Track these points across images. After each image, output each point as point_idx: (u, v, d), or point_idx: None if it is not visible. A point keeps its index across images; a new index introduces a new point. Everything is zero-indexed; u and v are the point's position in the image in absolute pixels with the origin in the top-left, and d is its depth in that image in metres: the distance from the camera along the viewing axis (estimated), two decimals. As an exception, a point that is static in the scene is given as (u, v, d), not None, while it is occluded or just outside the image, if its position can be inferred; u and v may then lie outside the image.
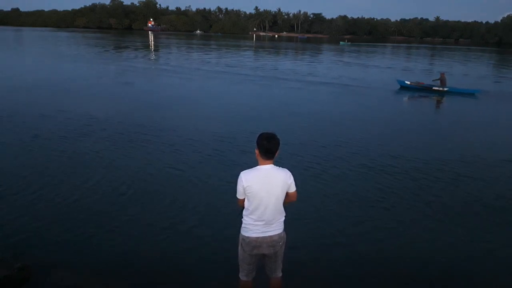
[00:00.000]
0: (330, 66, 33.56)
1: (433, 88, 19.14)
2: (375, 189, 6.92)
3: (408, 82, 19.97)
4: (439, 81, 19.25)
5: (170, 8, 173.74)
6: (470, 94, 18.70)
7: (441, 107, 17.33)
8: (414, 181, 7.37)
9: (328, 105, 15.60)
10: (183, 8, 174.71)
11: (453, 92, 18.80)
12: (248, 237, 3.29)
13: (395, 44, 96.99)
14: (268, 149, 3.14)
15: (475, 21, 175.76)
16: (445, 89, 18.94)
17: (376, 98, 17.45)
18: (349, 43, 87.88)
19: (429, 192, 6.90)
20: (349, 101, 16.71)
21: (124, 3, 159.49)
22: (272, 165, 3.22)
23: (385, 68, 33.21)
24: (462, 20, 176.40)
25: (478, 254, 5.07)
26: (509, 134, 12.03)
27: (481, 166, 8.40)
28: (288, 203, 3.37)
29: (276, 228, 3.31)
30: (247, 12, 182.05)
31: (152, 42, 63.74)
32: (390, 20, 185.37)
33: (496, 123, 13.28)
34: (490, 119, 13.86)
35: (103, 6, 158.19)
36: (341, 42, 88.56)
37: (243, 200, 3.29)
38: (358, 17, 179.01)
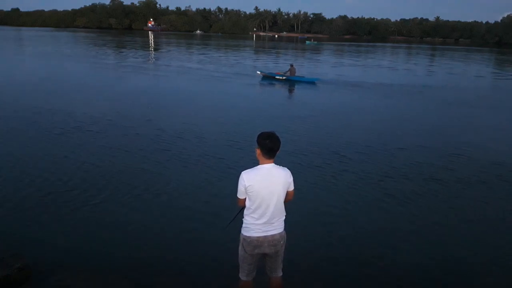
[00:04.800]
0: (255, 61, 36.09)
1: (276, 77, 21.95)
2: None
3: (259, 72, 23.06)
4: (289, 72, 21.82)
5: (170, 8, 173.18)
6: (310, 82, 21.27)
7: (285, 92, 19.43)
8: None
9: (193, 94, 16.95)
10: (183, 8, 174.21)
11: (295, 81, 21.40)
12: (249, 237, 3.27)
13: (370, 43, 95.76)
14: (271, 147, 3.13)
15: (475, 21, 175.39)
16: (284, 77, 21.65)
17: (240, 86, 20.32)
18: (315, 42, 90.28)
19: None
20: (213, 89, 18.89)
21: (124, 3, 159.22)
22: (273, 164, 3.21)
23: (306, 63, 34.81)
24: (462, 20, 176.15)
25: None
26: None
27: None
28: (287, 201, 3.36)
29: (277, 227, 3.30)
30: (247, 12, 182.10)
31: (153, 42, 63.76)
32: (390, 20, 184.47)
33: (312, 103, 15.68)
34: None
35: (103, 6, 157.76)
36: (307, 42, 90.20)
37: (244, 199, 3.27)
38: (358, 17, 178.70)
